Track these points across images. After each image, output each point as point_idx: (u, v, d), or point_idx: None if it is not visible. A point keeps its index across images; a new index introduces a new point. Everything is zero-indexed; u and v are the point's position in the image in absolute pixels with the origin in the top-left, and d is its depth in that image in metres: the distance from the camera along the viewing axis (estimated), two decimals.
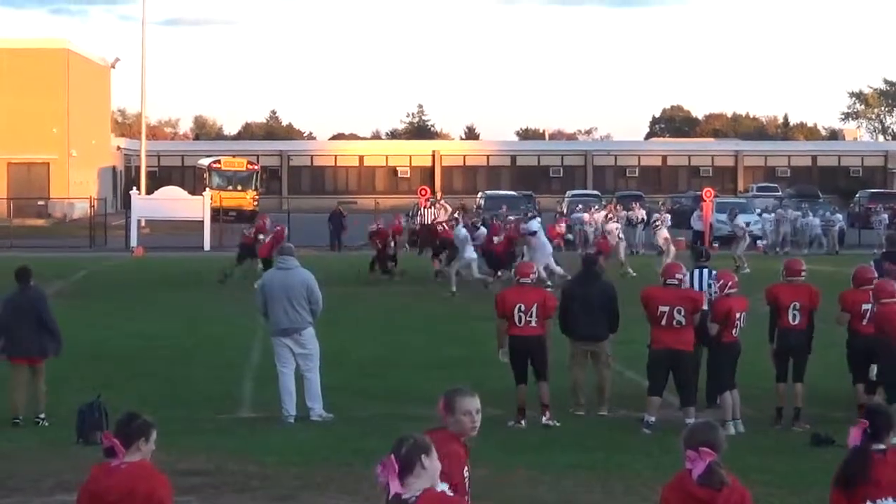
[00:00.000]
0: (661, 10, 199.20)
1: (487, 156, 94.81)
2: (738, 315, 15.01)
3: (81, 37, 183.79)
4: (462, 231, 33.31)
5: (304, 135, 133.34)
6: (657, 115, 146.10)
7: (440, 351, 21.70)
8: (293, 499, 11.86)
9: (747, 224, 44.92)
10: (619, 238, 39.63)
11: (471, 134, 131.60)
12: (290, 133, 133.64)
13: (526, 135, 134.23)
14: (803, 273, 15.88)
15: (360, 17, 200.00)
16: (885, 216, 52.85)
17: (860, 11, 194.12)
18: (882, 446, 6.90)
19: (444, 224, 38.10)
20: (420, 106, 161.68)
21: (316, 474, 12.68)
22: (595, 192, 73.94)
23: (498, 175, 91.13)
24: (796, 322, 15.43)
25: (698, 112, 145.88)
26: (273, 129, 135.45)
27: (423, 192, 51.92)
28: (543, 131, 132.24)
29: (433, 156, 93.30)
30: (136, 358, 20.97)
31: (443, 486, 5.89)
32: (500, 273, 32.27)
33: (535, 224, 33.66)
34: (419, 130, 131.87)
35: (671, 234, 39.81)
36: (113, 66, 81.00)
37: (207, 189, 59.11)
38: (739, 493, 6.40)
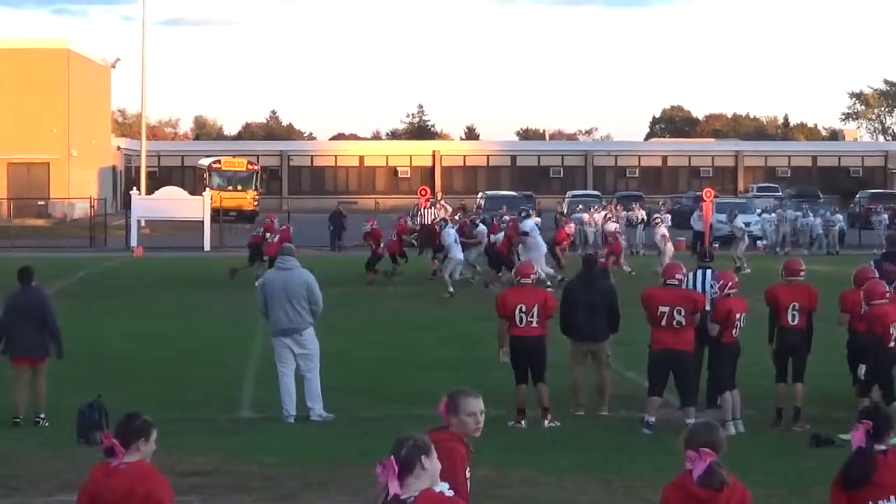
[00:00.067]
0: (662, 10, 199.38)
1: (487, 156, 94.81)
2: (738, 315, 15.02)
3: (82, 37, 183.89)
4: (451, 232, 33.41)
5: (305, 135, 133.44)
6: (657, 116, 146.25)
7: (440, 351, 21.70)
8: (293, 499, 11.86)
9: (747, 224, 44.94)
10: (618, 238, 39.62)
11: (471, 134, 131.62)
12: (291, 133, 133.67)
13: (526, 135, 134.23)
14: (802, 273, 15.88)
15: (360, 18, 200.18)
16: (886, 216, 52.87)
17: (860, 12, 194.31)
18: (883, 447, 6.90)
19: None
20: (420, 106, 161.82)
21: (316, 474, 12.68)
22: (595, 192, 73.98)
23: (498, 175, 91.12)
24: (795, 322, 15.44)
25: (698, 112, 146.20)
26: (273, 130, 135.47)
27: (423, 193, 51.93)
28: (544, 131, 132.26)
29: (433, 156, 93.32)
30: (136, 358, 20.98)
31: (442, 486, 5.88)
32: (500, 274, 32.28)
33: (529, 224, 33.57)
34: (419, 130, 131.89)
35: (671, 234, 39.79)
36: (113, 66, 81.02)
37: (207, 189, 59.10)
38: (740, 493, 6.40)
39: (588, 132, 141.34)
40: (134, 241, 50.31)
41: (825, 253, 47.48)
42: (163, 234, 54.58)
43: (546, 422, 15.38)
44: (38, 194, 67.72)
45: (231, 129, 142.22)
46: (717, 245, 44.13)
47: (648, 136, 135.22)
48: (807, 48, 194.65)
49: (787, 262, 16.40)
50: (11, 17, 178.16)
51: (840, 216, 52.05)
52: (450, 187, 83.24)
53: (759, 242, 48.79)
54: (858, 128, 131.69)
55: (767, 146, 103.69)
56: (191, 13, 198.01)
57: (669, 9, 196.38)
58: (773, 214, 50.76)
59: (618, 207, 53.72)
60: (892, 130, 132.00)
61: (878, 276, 15.70)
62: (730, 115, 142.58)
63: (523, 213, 35.63)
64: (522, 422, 15.31)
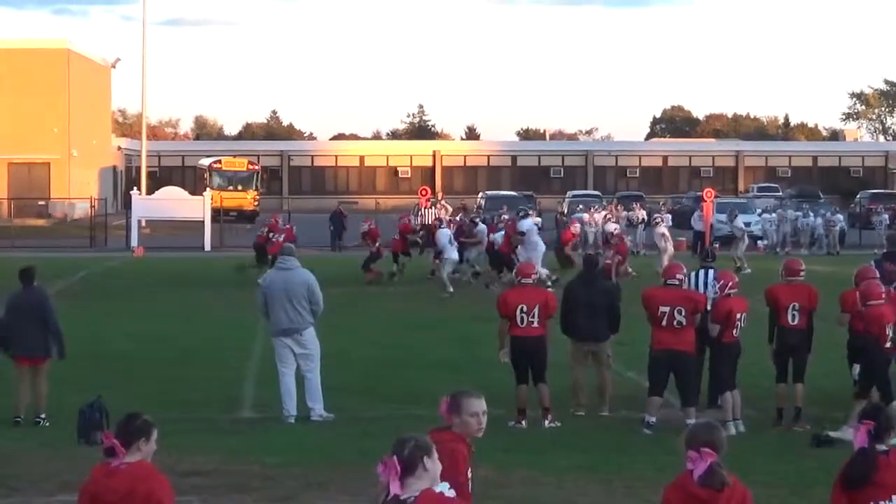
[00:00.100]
0: (662, 10, 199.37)
1: (488, 156, 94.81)
2: (738, 315, 15.02)
3: (82, 37, 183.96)
4: (445, 232, 33.51)
5: (305, 135, 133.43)
6: (658, 116, 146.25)
7: (440, 351, 21.70)
8: (294, 499, 11.86)
9: (747, 224, 44.93)
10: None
11: (471, 134, 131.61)
12: (291, 133, 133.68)
13: (526, 135, 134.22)
14: (802, 273, 15.89)
15: (361, 18, 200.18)
16: (886, 216, 52.87)
17: (860, 12, 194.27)
18: (884, 447, 6.90)
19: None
20: (421, 106, 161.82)
21: (317, 474, 12.68)
22: (596, 192, 74.00)
23: (498, 175, 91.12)
24: (795, 322, 15.45)
25: (699, 112, 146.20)
26: (274, 130, 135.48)
27: (423, 193, 51.91)
28: (544, 131, 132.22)
29: (434, 156, 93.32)
30: (136, 358, 20.98)
31: (442, 487, 5.89)
32: (501, 274, 32.26)
33: (526, 223, 33.49)
34: (420, 130, 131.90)
35: (672, 234, 39.78)
36: (114, 66, 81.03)
37: (208, 189, 59.10)
38: (741, 493, 6.40)
39: (588, 132, 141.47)
40: (134, 241, 50.32)
41: (825, 253, 47.49)
42: (163, 234, 54.59)
43: (547, 422, 15.38)
44: (39, 194, 67.72)
45: (231, 129, 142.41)
46: (717, 245, 44.16)
47: (649, 136, 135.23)
48: (807, 48, 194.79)
49: (787, 262, 16.41)
50: (12, 18, 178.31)
51: (840, 216, 52.04)
52: (450, 187, 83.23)
53: (759, 242, 48.79)
54: (859, 128, 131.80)
55: (768, 146, 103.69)
56: (191, 13, 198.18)
57: (669, 9, 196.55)
58: (774, 214, 50.76)
59: (618, 207, 53.72)
60: (893, 130, 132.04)
61: (878, 276, 15.71)
62: (730, 115, 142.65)
63: (521, 213, 35.63)
64: (523, 422, 15.31)
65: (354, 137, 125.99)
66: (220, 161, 74.00)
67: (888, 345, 14.40)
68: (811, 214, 50.67)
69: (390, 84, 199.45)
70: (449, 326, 25.04)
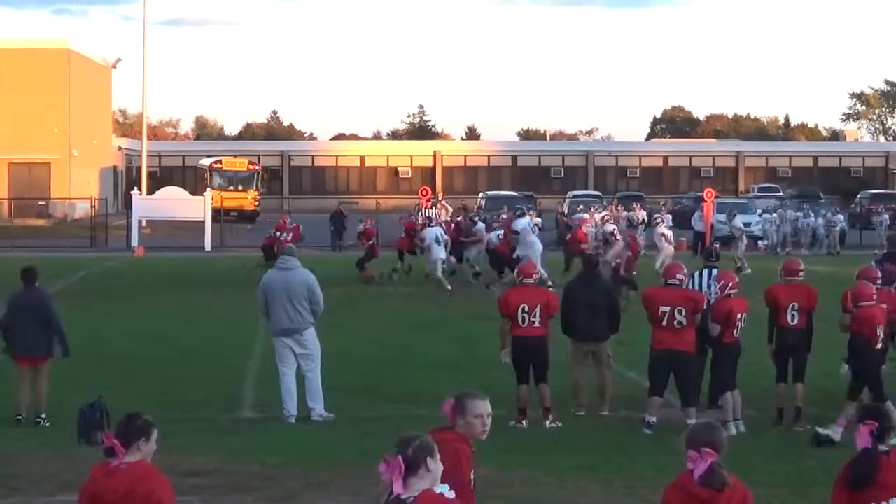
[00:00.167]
0: (662, 10, 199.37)
1: (488, 156, 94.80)
2: (738, 316, 15.03)
3: (83, 37, 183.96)
4: (430, 231, 33.60)
5: (306, 135, 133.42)
6: (658, 116, 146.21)
7: (441, 351, 21.70)
8: (294, 499, 11.87)
9: (747, 225, 44.97)
10: (616, 239, 39.58)
11: (472, 134, 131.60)
12: (292, 133, 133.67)
13: (527, 135, 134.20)
14: (801, 273, 15.91)
15: (361, 18, 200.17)
16: (886, 217, 52.87)
17: (861, 12, 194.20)
18: (885, 448, 6.90)
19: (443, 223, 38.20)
20: (421, 106, 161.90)
21: (317, 474, 12.68)
22: (596, 192, 73.99)
23: (499, 175, 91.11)
24: (795, 322, 15.46)
25: (699, 112, 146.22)
26: (274, 130, 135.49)
27: (424, 193, 51.91)
28: (544, 132, 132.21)
29: (434, 156, 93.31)
30: (137, 358, 20.99)
31: (442, 488, 5.89)
32: (502, 275, 32.26)
33: (521, 223, 33.44)
34: (420, 131, 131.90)
35: (673, 234, 39.77)
36: (114, 66, 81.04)
37: (208, 189, 59.13)
38: (741, 493, 6.40)
39: (589, 132, 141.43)
40: (135, 241, 50.32)
41: (826, 253, 47.51)
42: (164, 234, 54.59)
43: (547, 422, 15.38)
44: (39, 194, 67.72)
45: (232, 129, 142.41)
46: (717, 245, 44.20)
47: (649, 137, 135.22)
48: (807, 49, 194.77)
49: (786, 262, 16.43)
50: (12, 18, 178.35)
51: (841, 216, 52.06)
52: (451, 187, 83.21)
53: (759, 243, 48.82)
54: (859, 128, 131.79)
55: (768, 146, 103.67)
56: (191, 13, 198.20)
57: (670, 9, 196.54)
58: (774, 215, 50.78)
59: (619, 208, 53.71)
60: (893, 131, 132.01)
61: (880, 276, 15.72)
62: (731, 116, 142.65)
63: (518, 212, 35.62)
64: (523, 422, 15.31)
65: (355, 137, 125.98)
66: (220, 161, 74.01)
67: (879, 345, 14.45)
68: (812, 215, 50.70)
69: (391, 84, 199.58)
70: (449, 326, 25.04)
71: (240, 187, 70.69)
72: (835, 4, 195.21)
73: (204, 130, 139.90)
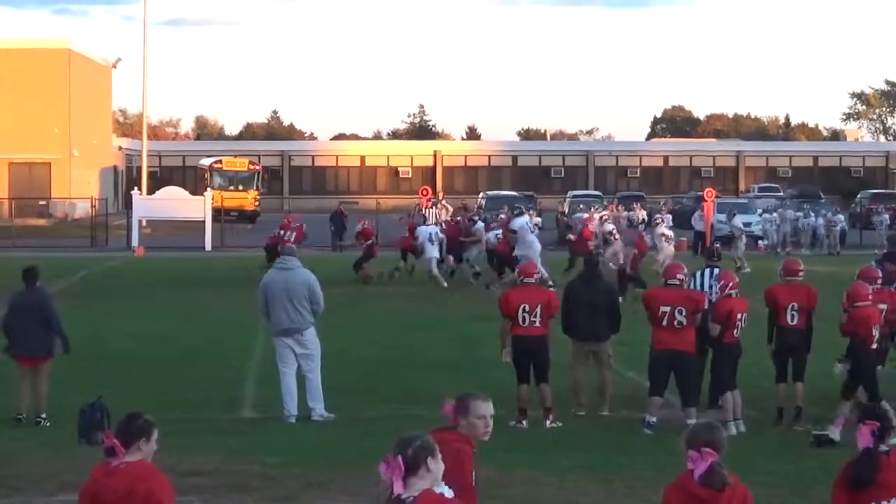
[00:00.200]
0: (663, 10, 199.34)
1: (489, 156, 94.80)
2: (739, 316, 15.03)
3: (83, 37, 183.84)
4: (423, 230, 33.66)
5: (306, 135, 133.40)
6: (658, 116, 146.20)
7: (440, 351, 21.70)
8: (294, 499, 11.87)
9: (748, 224, 44.98)
10: (615, 239, 39.58)
11: (472, 134, 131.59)
12: (292, 133, 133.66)
13: (527, 135, 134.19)
14: (801, 273, 15.91)
15: (362, 18, 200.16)
16: (887, 216, 52.86)
17: (861, 12, 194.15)
18: (885, 447, 6.90)
19: (443, 223, 38.22)
20: (421, 106, 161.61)
21: (317, 474, 12.68)
22: (597, 192, 73.97)
23: (499, 175, 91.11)
24: (794, 322, 15.47)
25: (700, 112, 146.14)
26: (274, 130, 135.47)
27: (424, 193, 51.90)
28: (545, 131, 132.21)
29: (434, 156, 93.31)
30: (137, 358, 20.99)
31: (443, 489, 5.88)
32: (503, 275, 32.25)
33: (518, 222, 33.36)
34: (420, 130, 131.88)
35: (674, 234, 39.76)
36: (114, 66, 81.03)
37: (209, 189, 59.12)
38: (741, 493, 6.40)
39: (589, 132, 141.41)
40: (135, 241, 50.32)
41: (826, 253, 47.51)
42: (164, 234, 54.59)
43: (548, 422, 15.37)
44: (40, 194, 67.71)
45: (232, 129, 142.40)
46: (718, 245, 44.21)
47: (650, 137, 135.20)
48: (808, 48, 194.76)
49: (786, 262, 16.44)
50: (12, 17, 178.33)
51: (841, 216, 52.07)
52: (451, 187, 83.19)
53: (760, 242, 48.84)
54: (860, 128, 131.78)
55: (769, 146, 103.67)
56: (191, 13, 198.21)
57: (670, 9, 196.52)
58: (775, 214, 50.80)
59: (619, 207, 53.70)
60: (894, 130, 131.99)
61: (880, 276, 15.73)
62: (731, 116, 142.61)
63: (516, 211, 35.60)
64: (524, 422, 15.31)
65: (355, 137, 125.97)
66: (220, 161, 74.00)
67: (874, 345, 14.47)
68: (812, 214, 50.71)
69: (391, 84, 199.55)
70: (449, 326, 25.04)
71: (240, 187, 70.68)
72: (835, 4, 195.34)
73: (204, 130, 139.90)
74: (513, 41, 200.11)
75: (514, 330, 15.48)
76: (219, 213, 53.76)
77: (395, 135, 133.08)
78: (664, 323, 14.88)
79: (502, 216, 39.17)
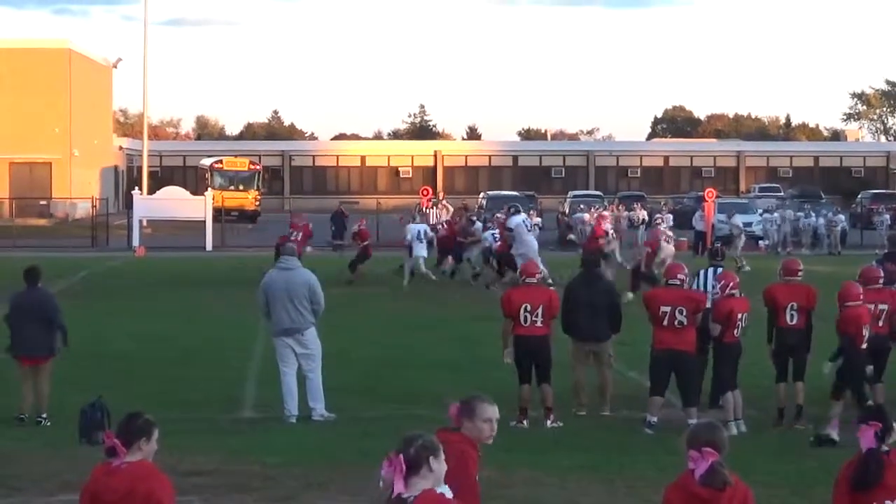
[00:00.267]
0: (663, 10, 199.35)
1: (489, 156, 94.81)
2: (739, 316, 15.02)
3: (83, 37, 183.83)
4: (411, 228, 33.69)
5: (306, 135, 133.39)
6: (659, 116, 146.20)
7: (440, 351, 21.69)
8: (294, 499, 11.86)
9: (748, 224, 45.02)
10: (613, 238, 39.60)
11: (472, 134, 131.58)
12: (292, 133, 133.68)
13: (528, 135, 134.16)
14: (800, 273, 15.91)
15: (362, 18, 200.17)
16: (887, 217, 52.84)
17: (862, 12, 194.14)
18: (885, 448, 6.90)
19: (443, 224, 38.23)
20: (422, 106, 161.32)
21: (317, 474, 12.68)
22: (597, 192, 73.99)
23: (500, 175, 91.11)
24: (794, 322, 15.46)
25: (700, 112, 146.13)
26: (275, 130, 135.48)
27: (425, 193, 51.90)
28: (545, 131, 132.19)
29: (435, 156, 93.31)
30: (137, 358, 20.98)
31: (443, 489, 5.88)
32: (502, 275, 32.24)
33: (514, 220, 33.28)
34: (421, 131, 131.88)
35: (674, 235, 39.75)
36: (115, 66, 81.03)
37: (209, 189, 59.13)
38: (742, 493, 6.40)
39: (590, 132, 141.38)
40: (136, 241, 50.33)
41: (827, 253, 47.52)
42: (165, 234, 54.59)
43: (549, 422, 15.37)
44: (41, 194, 67.71)
45: (233, 129, 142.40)
46: (718, 245, 44.19)
47: (650, 137, 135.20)
48: (809, 48, 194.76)
49: (785, 262, 16.45)
50: (13, 17, 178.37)
51: (842, 216, 52.06)
52: (451, 187, 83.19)
53: (760, 243, 48.85)
54: (860, 128, 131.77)
55: (769, 146, 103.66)
56: (192, 13, 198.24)
57: (670, 9, 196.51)
58: (775, 214, 50.81)
59: (620, 207, 53.71)
60: (894, 131, 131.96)
61: (882, 276, 15.73)
62: (731, 116, 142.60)
63: (512, 210, 35.59)
64: (525, 422, 15.30)
65: (356, 137, 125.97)
66: (221, 161, 74.02)
67: (864, 345, 14.49)
68: (812, 215, 50.72)
69: (391, 84, 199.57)
70: (449, 326, 25.03)
71: (241, 187, 70.70)
72: (835, 4, 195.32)
73: (205, 130, 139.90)
74: (513, 41, 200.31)
75: (515, 330, 15.47)
76: (219, 213, 53.78)
77: (395, 135, 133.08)
78: (665, 323, 14.88)
79: (499, 215, 39.17)
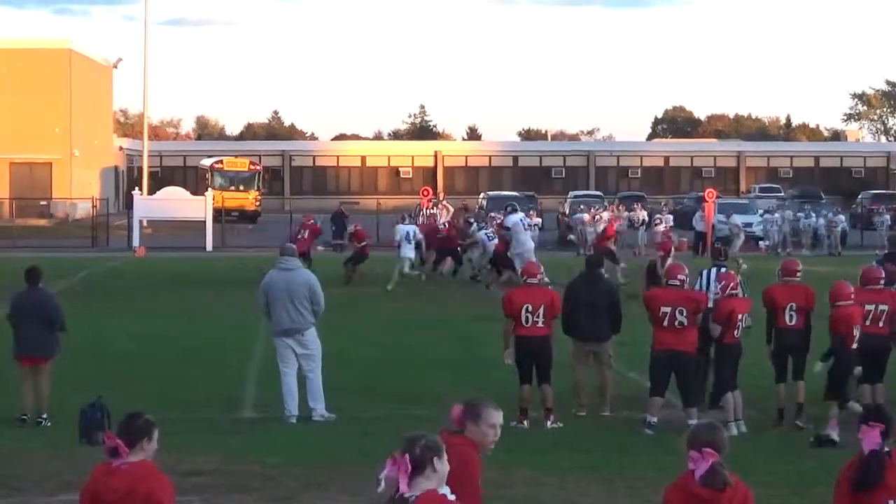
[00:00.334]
0: (663, 10, 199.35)
1: (489, 156, 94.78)
2: (740, 316, 15.03)
3: (84, 37, 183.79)
4: (401, 228, 33.71)
5: (307, 135, 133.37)
6: (659, 116, 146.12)
7: (440, 351, 21.70)
8: (294, 499, 11.86)
9: (748, 225, 45.08)
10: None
11: (473, 134, 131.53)
12: (293, 133, 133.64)
13: (528, 135, 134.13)
14: (799, 273, 15.91)
15: (362, 18, 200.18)
16: (888, 217, 52.84)
17: (862, 12, 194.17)
18: (887, 449, 6.90)
19: (444, 224, 38.24)
20: (422, 106, 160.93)
21: (317, 474, 12.68)
22: (597, 192, 73.95)
23: (500, 175, 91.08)
24: (793, 322, 15.47)
25: (700, 113, 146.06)
26: (275, 130, 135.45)
27: (425, 193, 51.90)
28: (546, 132, 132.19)
29: (435, 156, 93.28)
30: (137, 358, 20.98)
31: (445, 490, 5.87)
32: (501, 275, 32.25)
33: (511, 219, 33.19)
34: (421, 131, 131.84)
35: (675, 235, 39.82)
36: (115, 66, 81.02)
37: (209, 189, 59.13)
38: (742, 493, 6.40)
39: (590, 132, 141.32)
40: (136, 241, 50.33)
41: (827, 254, 47.52)
42: (165, 235, 54.60)
43: (549, 422, 15.37)
44: (41, 194, 67.70)
45: (233, 129, 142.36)
46: (718, 245, 44.20)
47: (650, 137, 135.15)
48: (809, 49, 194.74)
49: (784, 262, 16.46)
50: (13, 17, 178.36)
51: (842, 217, 52.06)
52: (452, 188, 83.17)
53: (760, 243, 48.85)
54: (861, 128, 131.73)
55: (769, 147, 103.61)
56: (192, 13, 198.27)
57: (670, 9, 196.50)
58: (776, 215, 50.81)
59: (620, 208, 53.70)
60: (895, 131, 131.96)
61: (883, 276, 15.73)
62: (732, 116, 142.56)
63: (509, 209, 35.59)
64: (525, 422, 15.30)
65: (356, 137, 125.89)
66: (221, 161, 74.02)
67: (854, 345, 14.50)
68: (813, 215, 50.72)
69: (392, 84, 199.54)
70: (449, 326, 25.04)
71: (241, 187, 70.70)
72: (835, 4, 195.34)
73: (205, 130, 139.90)
74: (513, 41, 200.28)
75: (516, 330, 15.47)
76: (219, 214, 53.78)
77: (395, 135, 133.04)
78: (665, 323, 14.88)
79: (493, 214, 39.18)
